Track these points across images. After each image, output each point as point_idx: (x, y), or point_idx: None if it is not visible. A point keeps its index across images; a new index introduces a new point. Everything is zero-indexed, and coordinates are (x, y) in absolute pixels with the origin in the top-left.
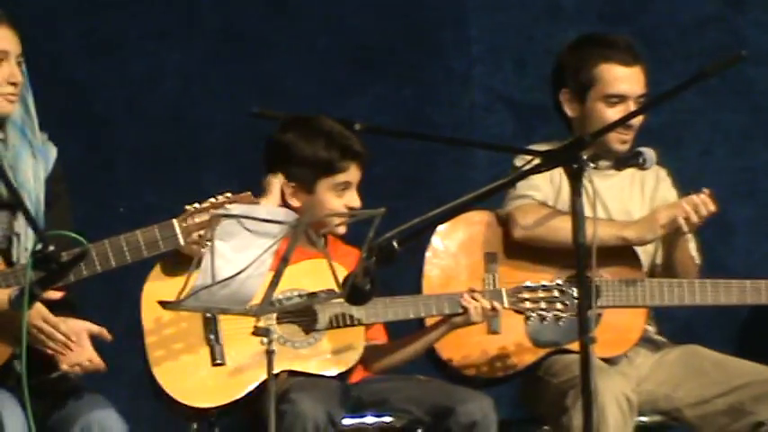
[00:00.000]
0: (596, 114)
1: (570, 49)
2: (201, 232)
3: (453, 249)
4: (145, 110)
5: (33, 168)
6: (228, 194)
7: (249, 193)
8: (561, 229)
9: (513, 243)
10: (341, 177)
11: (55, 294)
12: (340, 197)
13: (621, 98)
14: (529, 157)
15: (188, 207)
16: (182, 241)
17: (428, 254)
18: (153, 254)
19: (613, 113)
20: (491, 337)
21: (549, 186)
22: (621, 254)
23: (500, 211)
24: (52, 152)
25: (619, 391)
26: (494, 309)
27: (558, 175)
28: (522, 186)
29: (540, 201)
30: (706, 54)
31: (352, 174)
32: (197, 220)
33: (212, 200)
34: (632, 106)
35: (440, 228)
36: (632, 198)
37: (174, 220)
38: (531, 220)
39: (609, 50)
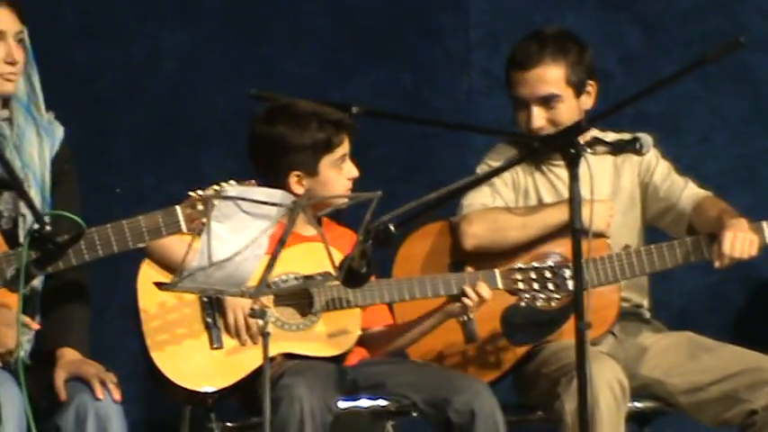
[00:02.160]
0: (515, 116)
1: None
2: (205, 220)
3: (418, 265)
4: (144, 92)
5: (38, 147)
6: (232, 182)
7: (253, 181)
8: (510, 229)
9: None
10: (339, 152)
11: (34, 325)
12: (340, 171)
13: (522, 101)
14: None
15: (191, 194)
16: (184, 228)
17: (394, 273)
18: (154, 239)
19: (523, 115)
20: (470, 347)
21: (510, 192)
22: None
23: (453, 220)
24: (59, 131)
25: (612, 376)
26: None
27: (524, 178)
28: (474, 195)
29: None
30: (706, 41)
31: (346, 145)
32: (200, 207)
33: (216, 187)
34: (534, 109)
35: (402, 247)
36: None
37: (178, 207)
38: (478, 228)
39: (512, 55)
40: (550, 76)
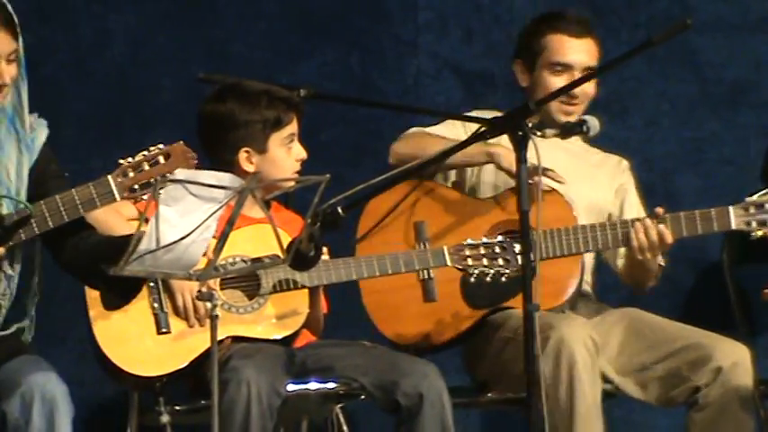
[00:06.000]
0: (542, 82)
1: (528, 24)
2: (137, 186)
3: (382, 225)
4: (92, 74)
5: (17, 163)
6: (161, 146)
7: (182, 142)
8: (429, 144)
9: (438, 207)
10: (288, 130)
11: None
12: (289, 151)
13: (566, 67)
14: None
15: (122, 161)
16: (118, 196)
17: (359, 228)
18: (89, 211)
19: (558, 82)
20: (428, 305)
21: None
22: (552, 201)
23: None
24: (41, 136)
25: (585, 333)
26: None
27: None
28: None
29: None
30: (654, 24)
31: (295, 125)
32: (131, 174)
33: (145, 153)
34: (577, 77)
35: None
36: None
37: (110, 176)
38: (404, 147)
39: (558, 22)
40: (596, 49)
